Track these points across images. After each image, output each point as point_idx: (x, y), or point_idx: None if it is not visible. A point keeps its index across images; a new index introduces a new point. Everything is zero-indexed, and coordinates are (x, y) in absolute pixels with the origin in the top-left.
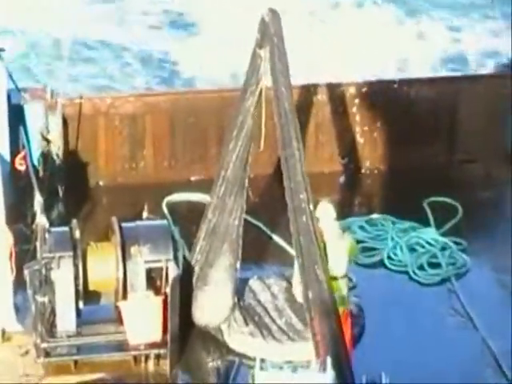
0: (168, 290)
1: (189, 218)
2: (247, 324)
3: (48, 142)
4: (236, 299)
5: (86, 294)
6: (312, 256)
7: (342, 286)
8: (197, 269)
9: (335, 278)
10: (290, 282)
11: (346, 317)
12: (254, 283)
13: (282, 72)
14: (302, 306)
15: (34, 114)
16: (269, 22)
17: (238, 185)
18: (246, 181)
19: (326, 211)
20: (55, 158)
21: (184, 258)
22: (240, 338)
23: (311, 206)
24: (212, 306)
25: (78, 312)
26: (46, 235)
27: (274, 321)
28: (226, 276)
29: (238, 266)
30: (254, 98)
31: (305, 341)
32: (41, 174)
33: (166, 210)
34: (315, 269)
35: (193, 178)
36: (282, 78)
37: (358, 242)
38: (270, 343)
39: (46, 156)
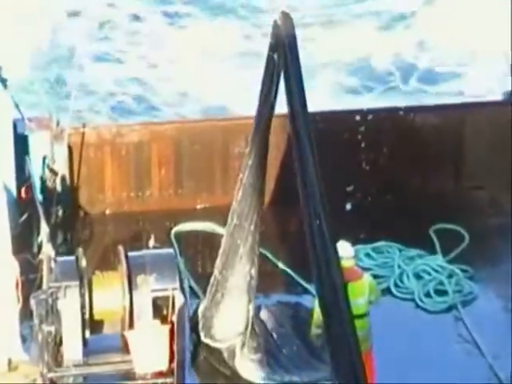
0: (174, 318)
1: (196, 248)
2: (256, 352)
3: (53, 171)
4: (253, 311)
5: (93, 324)
6: (335, 294)
7: (363, 326)
8: (212, 279)
9: (355, 317)
10: (296, 310)
11: (368, 355)
12: (260, 312)
13: (295, 77)
14: (310, 335)
15: (39, 143)
16: (281, 25)
17: (254, 189)
18: (263, 185)
19: (344, 250)
20: (61, 187)
21: (190, 287)
22: (249, 366)
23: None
24: (227, 316)
25: (85, 341)
26: (52, 265)
27: (280, 349)
28: (241, 283)
29: (254, 273)
30: (270, 101)
31: (312, 369)
32: (46, 203)
33: (174, 241)
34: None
35: (198, 207)
36: (295, 84)
37: (365, 269)
38: (278, 372)
39: (51, 185)
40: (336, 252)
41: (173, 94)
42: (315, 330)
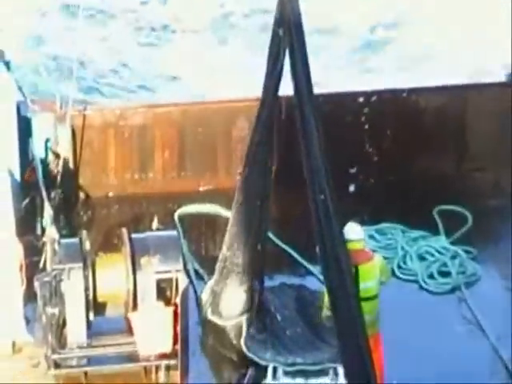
0: (178, 300)
1: (199, 230)
2: (261, 332)
3: (57, 154)
4: (260, 286)
5: (96, 306)
6: (341, 272)
7: (373, 308)
8: (221, 255)
9: (365, 299)
10: (299, 292)
11: (376, 339)
12: (265, 293)
13: (299, 51)
14: (321, 317)
15: (42, 125)
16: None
17: (261, 165)
18: (270, 161)
19: (353, 232)
20: (64, 169)
21: (195, 270)
22: (254, 346)
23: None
24: (234, 292)
25: (89, 323)
26: (56, 247)
27: (284, 331)
28: (248, 259)
29: (261, 248)
30: (276, 75)
31: (316, 350)
32: (49, 186)
33: (177, 223)
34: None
35: (202, 189)
36: (300, 60)
37: None
38: (282, 353)
39: (55, 167)
40: (341, 227)
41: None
42: (326, 312)
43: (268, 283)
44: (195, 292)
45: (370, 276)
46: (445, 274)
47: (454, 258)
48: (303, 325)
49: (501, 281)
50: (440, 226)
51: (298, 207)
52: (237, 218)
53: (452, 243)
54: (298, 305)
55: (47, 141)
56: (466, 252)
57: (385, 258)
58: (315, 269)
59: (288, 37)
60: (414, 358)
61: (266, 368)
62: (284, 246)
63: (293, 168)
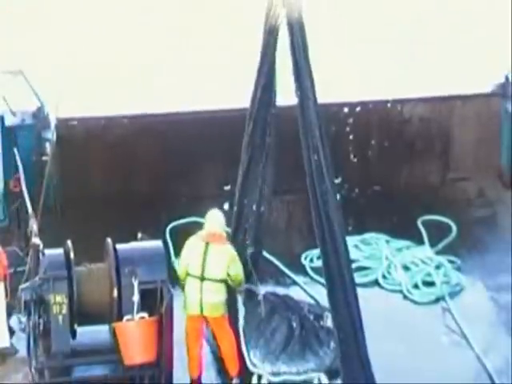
0: (163, 310)
1: None
2: (249, 337)
3: (42, 163)
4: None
5: (81, 315)
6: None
7: (222, 291)
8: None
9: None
10: (285, 301)
11: (223, 321)
12: (252, 301)
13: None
14: (300, 326)
15: (27, 135)
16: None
17: (263, 121)
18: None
19: (214, 217)
20: (49, 179)
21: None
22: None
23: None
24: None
25: (73, 333)
26: (41, 257)
27: (271, 339)
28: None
29: (263, 208)
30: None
31: (301, 359)
32: (34, 195)
33: (168, 239)
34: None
35: (185, 198)
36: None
37: (352, 261)
38: (267, 360)
39: (39, 177)
40: (334, 187)
41: None
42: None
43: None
44: None
45: (219, 258)
46: (429, 284)
47: (438, 267)
48: (288, 334)
49: (485, 291)
50: (424, 235)
51: (285, 218)
52: (244, 178)
53: (436, 253)
54: (283, 314)
55: (32, 151)
56: (451, 262)
57: (369, 268)
58: (299, 279)
59: (290, 39)
60: (398, 367)
61: (250, 377)
62: (270, 256)
63: (277, 178)
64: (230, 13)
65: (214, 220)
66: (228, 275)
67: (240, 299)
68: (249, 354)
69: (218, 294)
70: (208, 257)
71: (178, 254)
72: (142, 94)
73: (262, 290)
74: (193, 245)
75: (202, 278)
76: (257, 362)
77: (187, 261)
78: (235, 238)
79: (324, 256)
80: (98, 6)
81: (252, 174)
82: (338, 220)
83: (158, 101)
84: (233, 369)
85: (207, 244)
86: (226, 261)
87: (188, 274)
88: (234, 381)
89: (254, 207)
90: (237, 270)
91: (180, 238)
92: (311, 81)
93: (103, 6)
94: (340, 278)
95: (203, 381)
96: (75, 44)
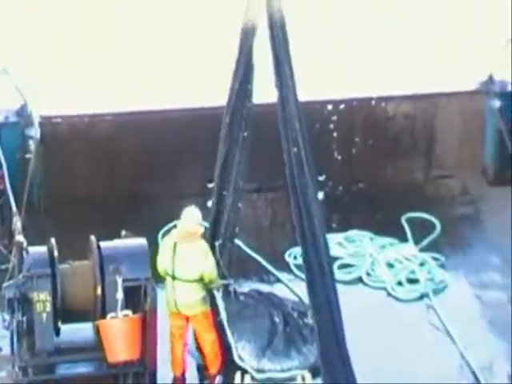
0: (146, 308)
1: None
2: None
3: (26, 160)
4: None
5: (65, 313)
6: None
7: (196, 290)
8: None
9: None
10: (269, 299)
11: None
12: (235, 299)
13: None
14: (284, 324)
15: (11, 133)
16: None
17: (239, 114)
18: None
19: (190, 214)
20: (33, 176)
21: None
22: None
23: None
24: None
25: (57, 331)
26: (24, 254)
27: (255, 336)
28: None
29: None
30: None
31: (285, 357)
32: (18, 192)
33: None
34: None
35: (170, 196)
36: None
37: (336, 258)
38: (253, 356)
39: (23, 175)
40: (314, 182)
41: None
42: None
43: (238, 289)
44: None
45: (188, 258)
46: (413, 281)
47: (422, 265)
48: (272, 330)
49: (469, 288)
50: (408, 233)
51: (268, 215)
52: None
53: (420, 250)
54: (265, 310)
55: (15, 148)
56: (434, 259)
57: (353, 265)
58: (283, 277)
59: (271, 39)
60: (381, 364)
61: (233, 376)
62: (253, 254)
63: (261, 175)
64: (230, 13)
65: (188, 219)
66: (202, 274)
67: (218, 295)
68: (236, 348)
69: (192, 294)
70: (176, 257)
71: None
72: (142, 94)
73: (244, 286)
74: (164, 245)
75: (174, 278)
76: (244, 356)
77: (161, 260)
78: (213, 231)
79: (304, 250)
80: (98, 6)
81: (230, 167)
82: (319, 215)
83: (157, 101)
84: (214, 366)
85: (175, 244)
86: (196, 260)
87: (166, 273)
88: (217, 380)
89: (230, 200)
90: (210, 268)
91: None
92: (291, 73)
93: (103, 6)
94: (320, 274)
95: (187, 379)
96: (75, 44)
